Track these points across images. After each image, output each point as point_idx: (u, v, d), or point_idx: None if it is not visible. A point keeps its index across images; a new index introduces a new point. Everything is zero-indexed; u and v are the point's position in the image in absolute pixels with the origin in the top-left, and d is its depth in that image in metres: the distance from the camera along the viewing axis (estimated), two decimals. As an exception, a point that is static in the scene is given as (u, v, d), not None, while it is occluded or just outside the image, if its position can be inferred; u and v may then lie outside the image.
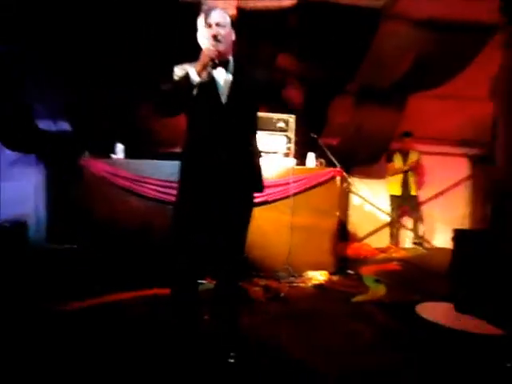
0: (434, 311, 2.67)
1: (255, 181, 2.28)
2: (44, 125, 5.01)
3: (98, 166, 3.97)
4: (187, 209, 2.21)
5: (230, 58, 2.21)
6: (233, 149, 2.16)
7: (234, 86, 2.17)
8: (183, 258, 2.21)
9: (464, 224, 6.06)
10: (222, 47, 2.09)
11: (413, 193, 5.91)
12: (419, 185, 6.08)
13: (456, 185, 6.32)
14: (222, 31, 2.10)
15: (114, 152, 4.18)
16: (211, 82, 2.15)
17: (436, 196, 6.22)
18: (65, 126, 5.02)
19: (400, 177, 5.89)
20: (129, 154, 4.22)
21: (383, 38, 4.45)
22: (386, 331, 2.74)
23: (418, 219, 5.99)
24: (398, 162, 5.92)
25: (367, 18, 4.25)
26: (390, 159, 5.96)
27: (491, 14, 4.02)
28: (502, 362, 2.20)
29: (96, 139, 4.59)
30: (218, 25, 2.10)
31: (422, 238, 6.00)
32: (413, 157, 5.92)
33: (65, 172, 4.64)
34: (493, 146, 5.64)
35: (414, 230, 5.96)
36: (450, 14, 4.12)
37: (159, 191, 3.92)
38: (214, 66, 2.14)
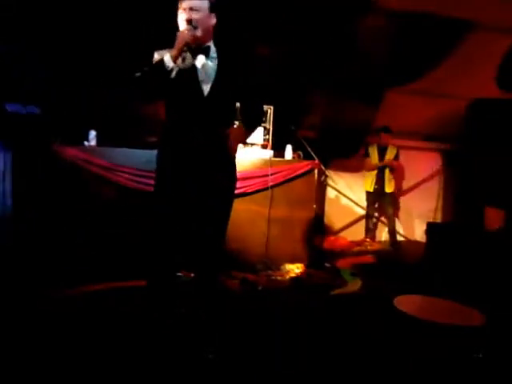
0: (411, 304, 2.70)
1: (231, 176, 2.26)
2: (13, 108, 4.78)
3: (70, 153, 3.82)
4: (166, 198, 2.16)
5: (211, 44, 2.17)
6: (211, 137, 2.12)
7: (219, 74, 2.13)
8: (161, 249, 2.17)
9: (436, 217, 6.22)
10: (198, 32, 2.05)
11: (387, 190, 5.67)
12: (396, 181, 5.89)
13: (428, 179, 6.45)
14: (195, 15, 2.05)
15: (86, 139, 4.04)
16: (190, 68, 2.10)
17: (409, 190, 6.32)
18: (35, 110, 4.80)
19: (374, 173, 5.68)
20: (102, 141, 4.08)
21: (364, 31, 4.46)
22: (363, 324, 2.76)
23: (390, 217, 5.76)
24: (374, 157, 5.71)
25: (348, 10, 4.23)
26: (366, 154, 5.77)
27: (470, 11, 4.09)
28: (472, 353, 2.25)
29: (68, 125, 4.41)
30: (191, 9, 2.05)
31: (396, 235, 5.83)
32: (390, 153, 5.70)
33: (35, 158, 4.45)
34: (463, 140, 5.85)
35: (389, 230, 5.76)
36: (431, 8, 4.14)
37: (134, 180, 3.82)
38: (194, 52, 2.10)
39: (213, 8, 2.13)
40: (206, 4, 2.10)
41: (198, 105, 2.10)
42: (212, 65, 2.14)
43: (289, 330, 2.62)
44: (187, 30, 2.03)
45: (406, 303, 2.64)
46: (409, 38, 4.52)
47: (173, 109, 2.17)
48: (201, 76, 2.11)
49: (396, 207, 6.09)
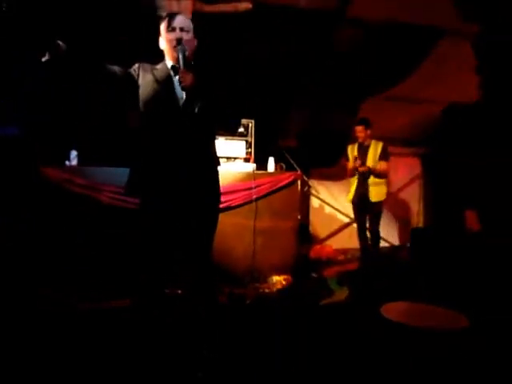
0: (398, 311, 2.74)
1: (215, 192, 2.26)
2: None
3: (51, 173, 3.78)
4: (150, 217, 2.15)
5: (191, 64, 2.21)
6: (191, 156, 2.12)
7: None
8: (148, 267, 2.16)
9: (419, 221, 6.31)
10: (186, 53, 2.09)
11: (372, 198, 4.49)
12: (389, 187, 4.80)
13: (409, 183, 6.55)
14: (186, 36, 2.12)
15: (68, 159, 4.01)
16: (169, 86, 2.13)
17: (389, 196, 6.38)
18: (15, 130, 4.73)
19: (355, 178, 4.62)
20: (83, 161, 4.06)
21: (340, 41, 4.55)
22: (351, 334, 2.78)
23: (374, 233, 4.56)
24: (352, 158, 4.62)
25: (325, 21, 4.31)
26: (346, 157, 4.77)
27: (441, 18, 4.22)
28: (461, 357, 2.30)
29: (49, 145, 4.37)
30: (181, 29, 2.11)
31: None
32: (373, 151, 4.55)
33: (16, 179, 4.39)
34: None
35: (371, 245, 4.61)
36: (402, 17, 4.25)
37: (117, 198, 3.79)
38: (176, 70, 2.12)
39: (194, 31, 2.19)
40: (192, 26, 2.18)
41: (174, 116, 2.10)
42: None
43: (280, 341, 2.63)
44: (174, 50, 2.09)
45: (393, 311, 2.68)
46: (383, 46, 4.63)
47: (150, 129, 2.14)
48: (179, 94, 2.12)
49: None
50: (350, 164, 4.62)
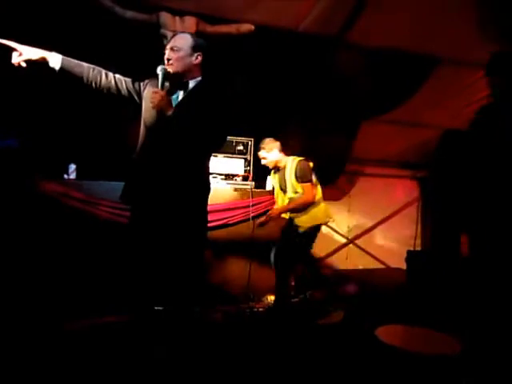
0: (393, 334, 2.71)
1: (200, 218, 2.25)
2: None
3: (48, 187, 3.78)
4: (135, 234, 2.21)
5: (191, 81, 2.25)
6: (173, 170, 2.12)
7: (181, 101, 2.22)
8: (137, 285, 2.18)
9: (416, 244, 6.29)
10: (170, 69, 2.18)
11: (301, 229, 3.66)
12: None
13: (407, 206, 6.56)
14: (172, 55, 2.20)
15: (66, 172, 4.02)
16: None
17: (388, 217, 6.39)
18: (15, 143, 4.74)
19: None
20: (82, 174, 4.07)
21: (339, 65, 4.62)
22: (346, 355, 2.76)
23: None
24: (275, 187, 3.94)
25: (323, 45, 4.39)
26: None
27: (437, 46, 4.30)
28: (458, 380, 2.27)
29: (47, 158, 4.38)
30: (171, 49, 2.21)
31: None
32: (291, 172, 3.64)
33: (13, 192, 4.37)
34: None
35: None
36: (401, 44, 4.33)
37: (113, 213, 3.79)
38: (174, 88, 2.22)
39: (198, 47, 2.24)
40: (187, 44, 2.22)
41: (163, 132, 2.13)
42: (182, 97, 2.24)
43: (272, 361, 2.60)
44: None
45: (388, 333, 2.66)
46: (381, 71, 4.70)
47: (144, 145, 2.20)
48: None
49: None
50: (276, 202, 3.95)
